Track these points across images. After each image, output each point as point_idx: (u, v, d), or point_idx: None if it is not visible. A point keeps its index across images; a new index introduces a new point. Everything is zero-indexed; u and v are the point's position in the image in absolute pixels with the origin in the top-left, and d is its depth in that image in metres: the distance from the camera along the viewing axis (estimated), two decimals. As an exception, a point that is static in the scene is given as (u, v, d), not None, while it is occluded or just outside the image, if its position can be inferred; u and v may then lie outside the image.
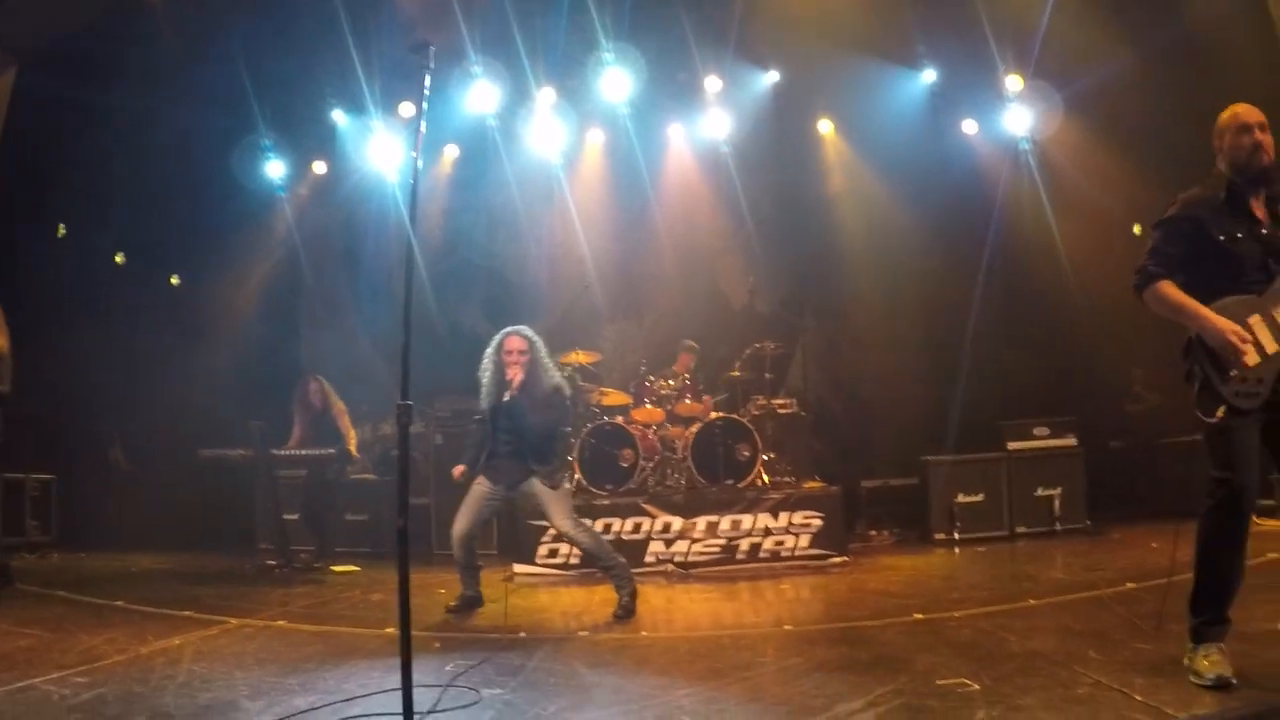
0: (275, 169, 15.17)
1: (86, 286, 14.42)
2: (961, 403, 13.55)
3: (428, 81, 4.85)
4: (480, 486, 8.11)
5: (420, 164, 4.89)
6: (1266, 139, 4.99)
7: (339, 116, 14.77)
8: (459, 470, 8.30)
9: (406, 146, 14.27)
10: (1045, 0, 12.13)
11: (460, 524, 8.03)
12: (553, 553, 10.52)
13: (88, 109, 13.04)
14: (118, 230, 14.99)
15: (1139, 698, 4.46)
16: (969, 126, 14.33)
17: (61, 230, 15.32)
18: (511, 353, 8.02)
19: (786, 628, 7.07)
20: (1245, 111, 5.05)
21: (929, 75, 14.03)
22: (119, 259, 15.76)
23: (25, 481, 12.55)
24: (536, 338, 8.23)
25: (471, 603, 8.14)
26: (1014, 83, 13.61)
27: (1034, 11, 12.35)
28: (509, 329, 8.22)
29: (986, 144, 14.34)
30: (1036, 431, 12.05)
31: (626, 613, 7.67)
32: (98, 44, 12.62)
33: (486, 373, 8.19)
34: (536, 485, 8.01)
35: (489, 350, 8.24)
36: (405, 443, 4.71)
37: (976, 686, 4.83)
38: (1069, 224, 13.40)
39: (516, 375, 7.96)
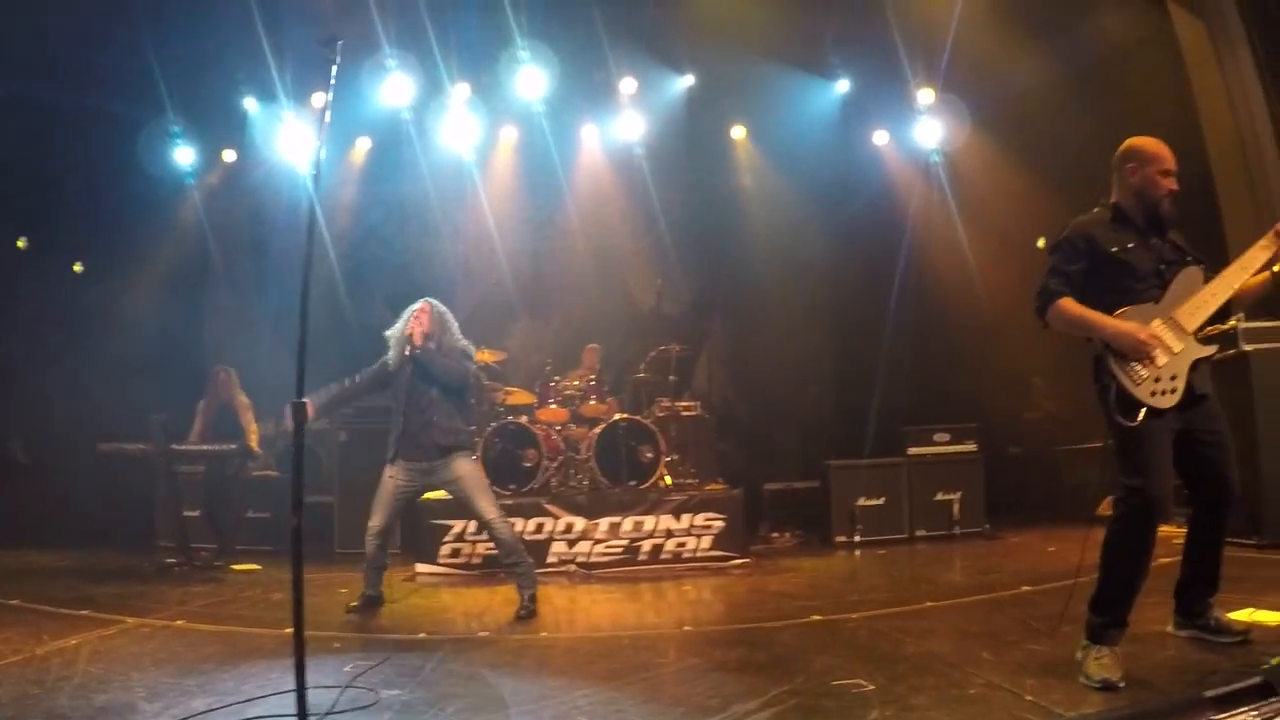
0: (184, 156, 14.88)
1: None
2: (867, 408, 13.74)
3: (334, 75, 4.79)
4: (393, 479, 7.91)
5: (323, 156, 4.84)
6: (1175, 186, 5.17)
7: (250, 104, 14.53)
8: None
9: (317, 137, 14.08)
10: (955, 16, 12.30)
11: (376, 519, 7.88)
12: (455, 552, 10.49)
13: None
14: (19, 215, 14.65)
15: (1029, 697, 4.54)
16: (880, 137, 14.56)
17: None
18: (419, 314, 7.96)
19: (686, 629, 7.14)
20: (1164, 153, 5.23)
21: (842, 85, 14.23)
22: (21, 244, 15.40)
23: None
24: (448, 311, 8.19)
25: (373, 602, 7.92)
26: (926, 95, 13.82)
27: (945, 26, 12.53)
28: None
29: (898, 155, 14.56)
30: (937, 437, 12.24)
31: (528, 613, 7.60)
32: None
33: (394, 335, 8.10)
34: (459, 466, 7.88)
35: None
36: (300, 440, 4.69)
37: (871, 687, 4.90)
38: (976, 235, 13.65)
39: (420, 328, 7.88)
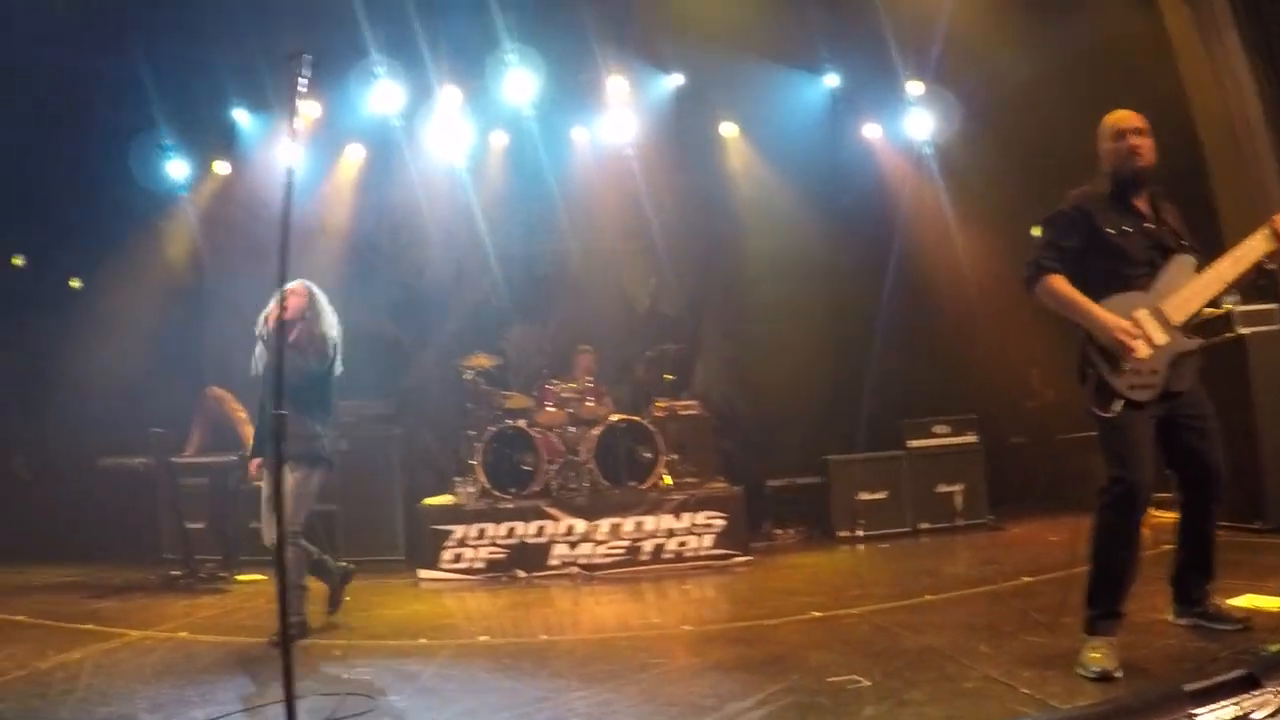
0: (177, 169, 14.91)
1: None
2: (866, 402, 13.72)
3: (302, 90, 4.79)
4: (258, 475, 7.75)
5: (297, 170, 4.84)
6: (1144, 142, 5.17)
7: (240, 115, 14.56)
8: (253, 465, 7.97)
9: (309, 146, 14.16)
10: (945, 7, 12.28)
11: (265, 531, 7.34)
12: (457, 558, 10.50)
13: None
14: (15, 232, 14.68)
15: (1025, 690, 4.56)
16: (871, 130, 14.47)
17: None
18: (287, 294, 6.62)
19: (686, 628, 7.15)
20: (1123, 117, 5.24)
21: (831, 79, 14.10)
22: (17, 261, 15.44)
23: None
24: (318, 291, 7.64)
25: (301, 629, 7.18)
26: (915, 88, 13.78)
27: (935, 18, 12.50)
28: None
29: (888, 148, 14.51)
30: (937, 429, 12.25)
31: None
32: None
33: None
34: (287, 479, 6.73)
35: None
36: (280, 450, 4.74)
37: (867, 682, 4.91)
38: (969, 226, 13.61)
39: (274, 313, 6.72)
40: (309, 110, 13.83)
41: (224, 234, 15.20)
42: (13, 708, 5.21)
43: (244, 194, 15.06)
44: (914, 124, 14.05)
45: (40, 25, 12.06)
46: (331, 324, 7.62)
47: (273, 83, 13.35)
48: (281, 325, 6.46)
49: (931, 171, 14.09)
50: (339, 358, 7.65)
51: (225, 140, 14.86)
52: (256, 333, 7.52)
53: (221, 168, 15.21)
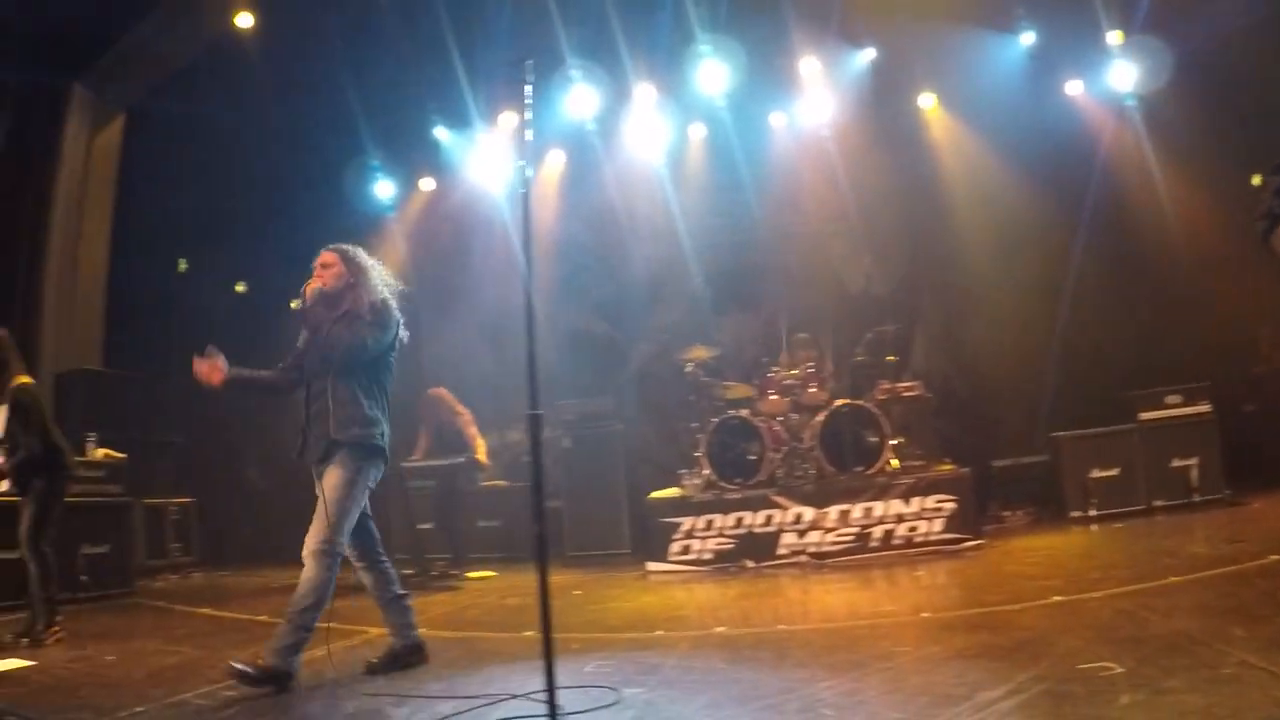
0: (384, 189, 15.52)
1: (209, 316, 14.87)
2: (1089, 374, 13.26)
3: (528, 95, 4.89)
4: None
5: (530, 175, 4.92)
6: None
7: (441, 133, 15.01)
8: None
9: (512, 156, 14.45)
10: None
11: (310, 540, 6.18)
12: (685, 549, 10.58)
13: (197, 147, 13.51)
14: (236, 261, 15.45)
15: (1288, 676, 4.34)
16: (1073, 87, 13.92)
17: (182, 265, 15.82)
18: (319, 265, 6.42)
19: (924, 615, 6.98)
20: None
21: (1027, 38, 13.54)
22: (240, 288, 16.24)
23: (166, 506, 12.99)
24: (356, 251, 6.55)
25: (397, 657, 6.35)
26: (1115, 38, 13.22)
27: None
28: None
29: (1092, 104, 13.92)
30: (1168, 400, 11.61)
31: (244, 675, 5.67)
32: (201, 83, 13.08)
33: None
34: (328, 474, 6.07)
35: None
36: (538, 452, 4.81)
37: (1120, 669, 4.73)
38: (1182, 184, 12.95)
39: (313, 284, 6.27)
40: (510, 120, 14.18)
41: (431, 247, 15.70)
42: (264, 704, 5.43)
43: (448, 208, 15.54)
44: (1117, 76, 13.43)
45: (240, 64, 12.68)
46: (385, 287, 6.47)
47: (472, 97, 13.72)
48: (324, 298, 6.24)
49: (1139, 126, 13.49)
50: (401, 328, 6.49)
51: (428, 158, 15.34)
52: (294, 308, 6.48)
53: (426, 184, 15.70)
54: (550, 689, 4.29)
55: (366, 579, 6.38)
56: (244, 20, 12.50)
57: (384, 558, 6.43)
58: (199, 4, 12.53)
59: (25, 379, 8.12)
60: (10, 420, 7.90)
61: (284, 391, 6.47)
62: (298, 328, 6.46)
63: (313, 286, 6.22)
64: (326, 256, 6.38)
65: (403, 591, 6.42)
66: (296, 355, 6.38)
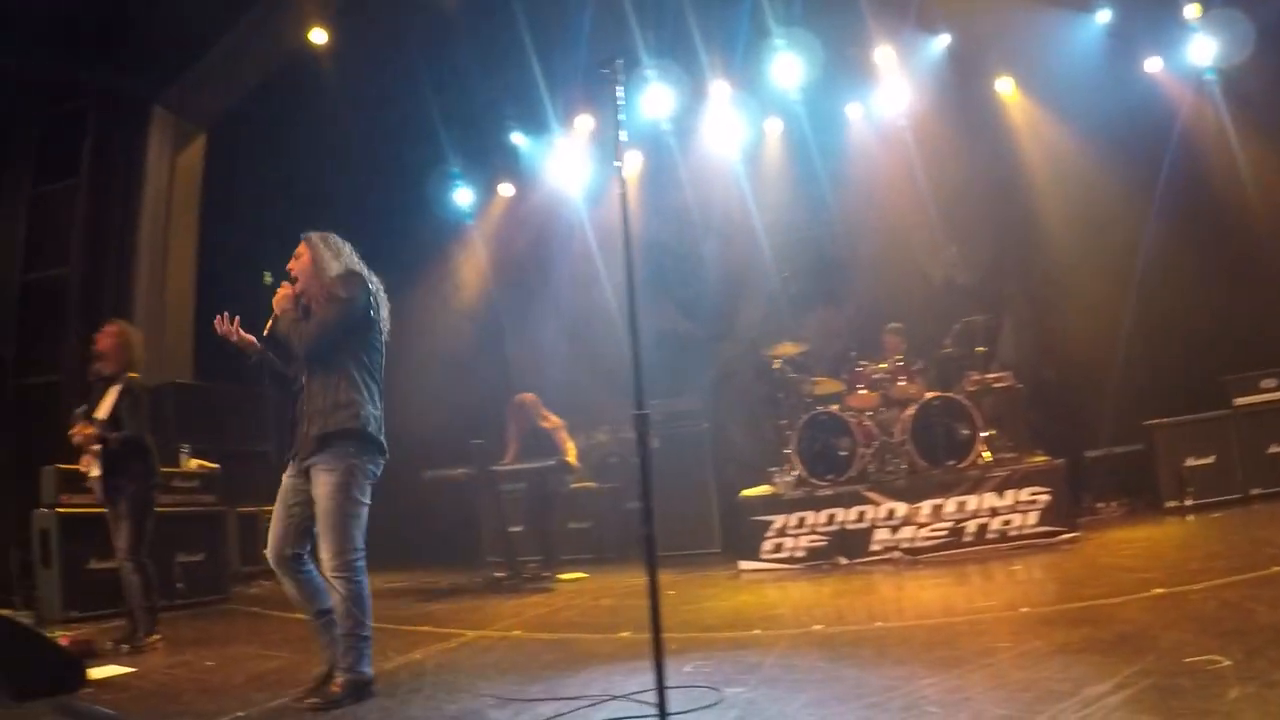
0: (463, 196, 15.69)
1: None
2: (1181, 359, 12.93)
3: (620, 95, 4.89)
4: (286, 477, 5.83)
5: (624, 173, 4.94)
6: None
7: (519, 138, 15.12)
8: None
9: (590, 159, 14.62)
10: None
11: (270, 538, 5.81)
12: (778, 547, 10.54)
13: (278, 162, 13.75)
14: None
15: (1405, 669, 4.21)
16: (1152, 64, 13.54)
17: (267, 278, 16.05)
18: (292, 266, 5.96)
19: (1023, 610, 6.84)
20: None
21: (1103, 15, 13.25)
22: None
23: (259, 514, 13.19)
24: (332, 238, 6.06)
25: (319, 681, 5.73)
26: (1193, 12, 12.91)
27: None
28: None
29: (1173, 80, 13.55)
30: (1264, 384, 11.29)
31: (324, 698, 5.49)
32: (280, 98, 13.32)
33: None
34: (318, 481, 5.59)
35: None
36: (646, 451, 4.76)
37: (1227, 662, 4.60)
38: (1265, 158, 12.66)
39: (280, 295, 5.83)
40: (586, 123, 14.26)
41: (511, 252, 15.84)
42: (366, 707, 5.45)
43: (527, 213, 15.65)
44: (1197, 51, 13.06)
45: (318, 77, 12.90)
46: (347, 260, 5.96)
47: (550, 102, 13.80)
48: (298, 299, 5.79)
49: (1224, 102, 13.14)
50: (381, 305, 6.01)
51: (507, 163, 15.49)
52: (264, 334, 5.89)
53: (505, 190, 15.84)
54: (660, 688, 4.27)
55: (291, 589, 5.80)
56: (318, 36, 12.70)
57: (309, 567, 5.80)
58: (273, 22, 12.73)
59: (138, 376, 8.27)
60: (118, 404, 8.03)
61: (290, 381, 5.99)
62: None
63: (280, 297, 5.79)
64: (299, 248, 5.96)
65: (329, 606, 5.68)
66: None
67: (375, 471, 5.77)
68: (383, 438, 5.83)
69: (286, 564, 5.70)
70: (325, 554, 5.50)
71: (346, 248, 6.00)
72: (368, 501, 5.71)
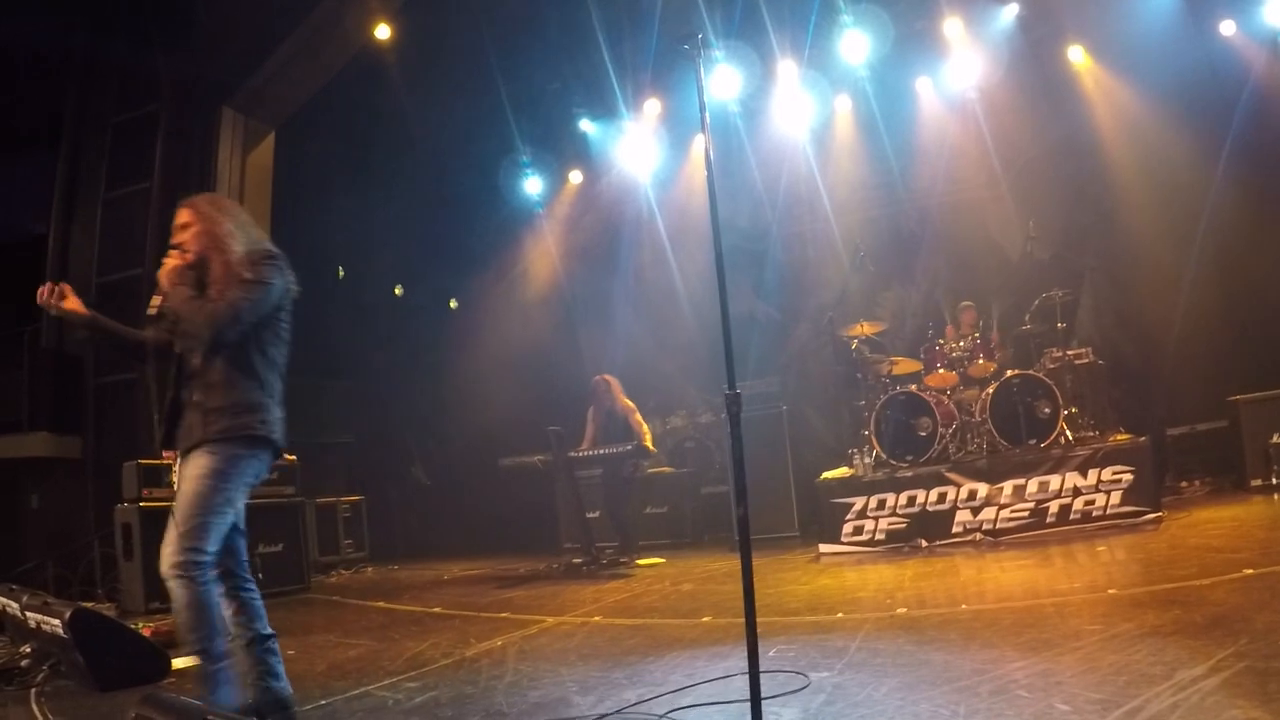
0: (533, 185, 15.76)
1: (370, 320, 15.26)
2: (1264, 331, 12.57)
3: (701, 71, 4.84)
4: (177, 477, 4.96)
5: (703, 150, 4.86)
6: None
7: (587, 125, 15.12)
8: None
9: (658, 143, 14.60)
10: None
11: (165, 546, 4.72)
12: (858, 530, 10.45)
13: (348, 156, 13.88)
14: (392, 265, 15.81)
15: None
16: (1227, 27, 13.17)
17: (341, 272, 16.27)
18: (175, 229, 5.06)
19: (1110, 592, 6.72)
20: None
21: None
22: (398, 291, 16.65)
23: (336, 504, 13.42)
24: (223, 201, 5.46)
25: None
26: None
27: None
28: None
29: (1251, 44, 13.18)
30: None
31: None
32: (349, 94, 13.43)
33: None
34: (191, 464, 4.77)
35: None
36: (738, 430, 4.68)
37: (1325, 645, 4.52)
38: None
39: (167, 266, 4.89)
40: (653, 108, 14.23)
41: (583, 238, 15.87)
42: (447, 694, 5.51)
43: (598, 198, 15.66)
44: (1273, 11, 12.74)
45: (386, 73, 12.99)
46: (251, 233, 5.16)
47: (618, 87, 13.79)
48: (186, 274, 4.90)
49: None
50: (289, 282, 5.12)
51: (576, 150, 15.52)
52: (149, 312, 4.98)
53: (574, 177, 15.88)
54: (754, 672, 4.19)
55: (225, 610, 4.85)
56: (383, 31, 12.78)
57: (249, 584, 4.99)
58: (340, 17, 12.78)
59: None
60: None
61: (146, 360, 5.17)
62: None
63: (167, 269, 4.86)
64: (182, 214, 5.05)
65: (269, 631, 4.97)
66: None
67: (261, 473, 5.01)
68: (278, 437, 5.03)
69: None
70: (169, 546, 4.60)
71: (244, 216, 5.22)
72: (239, 503, 4.88)
